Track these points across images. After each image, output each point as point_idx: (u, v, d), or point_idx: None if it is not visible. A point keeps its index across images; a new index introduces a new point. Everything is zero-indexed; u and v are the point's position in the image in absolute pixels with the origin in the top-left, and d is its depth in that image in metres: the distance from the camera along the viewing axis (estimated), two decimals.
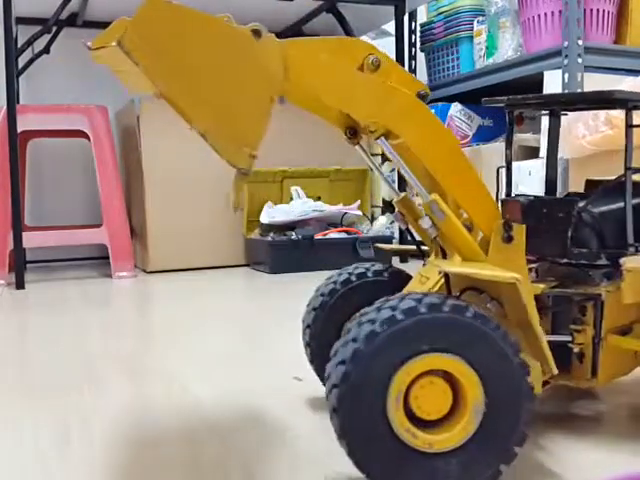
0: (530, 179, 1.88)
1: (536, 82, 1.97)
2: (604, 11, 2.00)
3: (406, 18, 2.69)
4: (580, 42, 1.89)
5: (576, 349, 0.82)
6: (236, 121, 0.64)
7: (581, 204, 0.82)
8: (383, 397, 0.63)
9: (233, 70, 0.64)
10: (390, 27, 2.73)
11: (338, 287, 0.89)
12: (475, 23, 2.47)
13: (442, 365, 0.64)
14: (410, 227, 0.83)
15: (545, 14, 2.02)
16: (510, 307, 0.73)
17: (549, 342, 0.77)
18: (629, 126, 0.80)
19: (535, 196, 0.88)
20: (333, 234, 2.45)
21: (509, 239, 0.72)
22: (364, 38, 2.99)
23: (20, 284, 2.15)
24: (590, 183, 0.93)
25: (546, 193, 0.91)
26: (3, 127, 2.14)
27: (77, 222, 2.73)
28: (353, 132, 0.81)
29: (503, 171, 0.90)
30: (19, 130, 2.12)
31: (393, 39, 2.63)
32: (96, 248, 2.61)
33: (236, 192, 0.67)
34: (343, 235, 2.45)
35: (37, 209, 2.79)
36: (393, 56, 2.62)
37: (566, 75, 1.88)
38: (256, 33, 0.65)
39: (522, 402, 0.66)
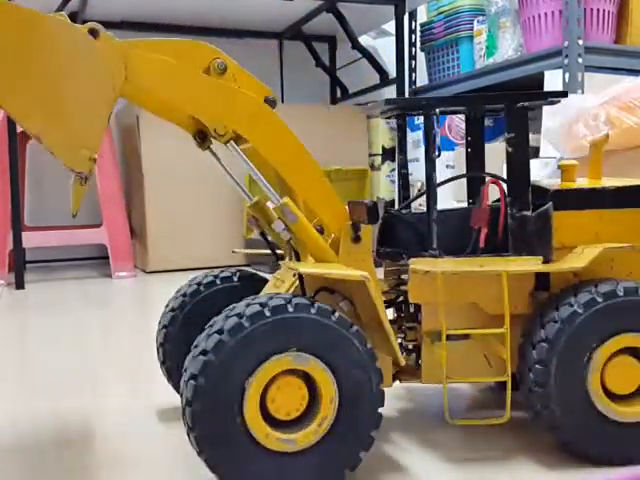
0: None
1: (537, 82, 1.97)
2: (604, 11, 1.99)
3: (406, 18, 2.69)
4: (580, 42, 1.89)
5: (410, 346, 0.83)
6: (71, 122, 0.62)
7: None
8: (239, 405, 0.64)
9: (67, 70, 0.62)
10: (390, 27, 2.73)
11: (187, 300, 0.88)
12: (475, 23, 2.46)
13: (292, 365, 0.65)
14: (265, 231, 0.84)
15: (545, 14, 2.02)
16: (360, 305, 0.75)
17: None
18: (426, 130, 0.80)
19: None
20: None
21: (357, 239, 0.75)
22: (364, 38, 2.99)
23: (20, 284, 2.15)
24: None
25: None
26: (3, 127, 2.14)
27: (77, 222, 2.73)
28: (203, 137, 0.81)
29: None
30: (19, 130, 2.12)
31: (393, 39, 2.62)
32: (96, 248, 2.60)
33: (75, 197, 0.66)
34: None
35: (37, 209, 2.78)
36: (393, 56, 2.62)
37: (566, 75, 1.87)
38: (93, 32, 0.64)
39: (371, 394, 0.67)
